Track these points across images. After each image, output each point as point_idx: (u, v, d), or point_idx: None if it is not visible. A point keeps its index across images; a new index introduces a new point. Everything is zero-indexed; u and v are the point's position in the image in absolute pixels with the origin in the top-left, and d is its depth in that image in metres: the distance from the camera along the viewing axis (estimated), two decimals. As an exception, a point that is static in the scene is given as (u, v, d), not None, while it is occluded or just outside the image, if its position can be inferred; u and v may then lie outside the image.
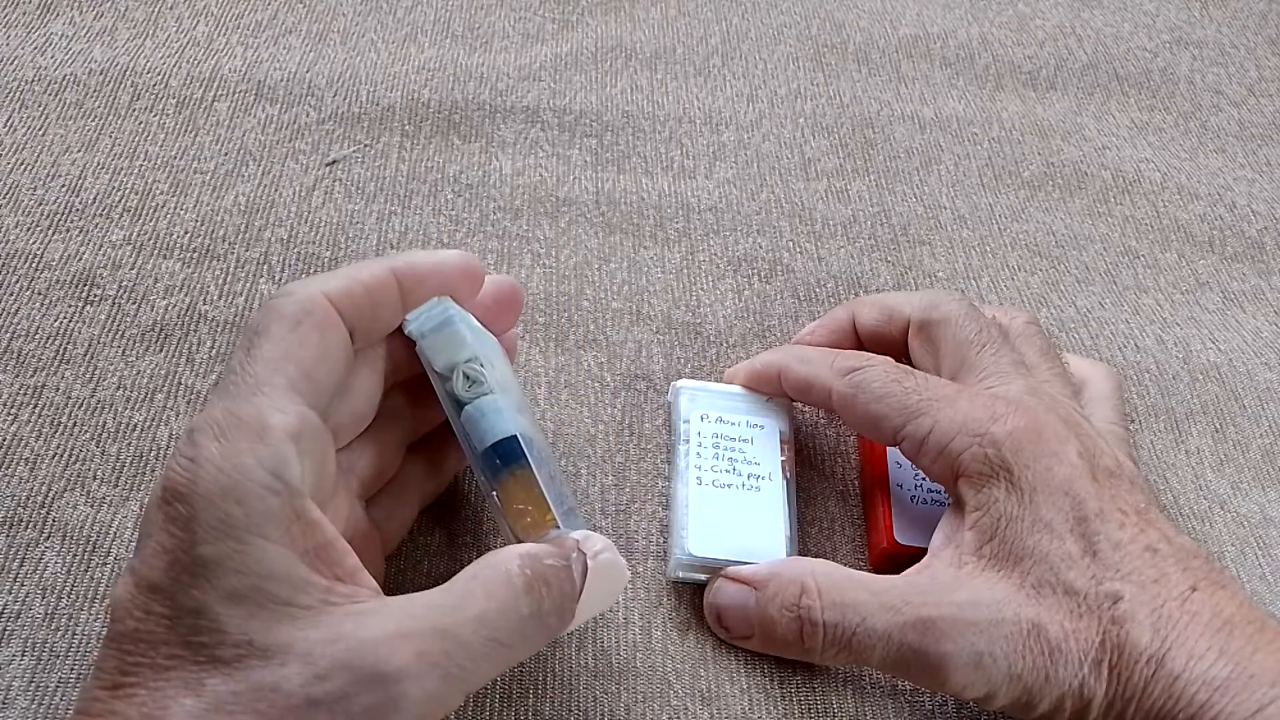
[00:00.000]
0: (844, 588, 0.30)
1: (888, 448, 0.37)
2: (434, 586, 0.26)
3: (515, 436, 0.29)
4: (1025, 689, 0.28)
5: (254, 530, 0.23)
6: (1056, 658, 0.28)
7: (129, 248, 0.41)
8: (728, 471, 0.35)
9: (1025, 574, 0.29)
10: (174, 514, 0.23)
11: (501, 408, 0.29)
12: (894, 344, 0.37)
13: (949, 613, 0.29)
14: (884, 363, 0.33)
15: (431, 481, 0.33)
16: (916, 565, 0.31)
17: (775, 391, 0.37)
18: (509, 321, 0.33)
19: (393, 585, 0.33)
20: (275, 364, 0.25)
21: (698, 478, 0.35)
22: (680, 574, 0.34)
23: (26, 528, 0.33)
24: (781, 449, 0.36)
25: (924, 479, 0.36)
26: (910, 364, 0.35)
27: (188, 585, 0.23)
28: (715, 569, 0.33)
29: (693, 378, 0.39)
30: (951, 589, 0.29)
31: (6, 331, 0.38)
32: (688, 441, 0.36)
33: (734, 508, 0.34)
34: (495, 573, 0.25)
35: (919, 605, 0.29)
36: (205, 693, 0.22)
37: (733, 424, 0.36)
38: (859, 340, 0.38)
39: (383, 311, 0.28)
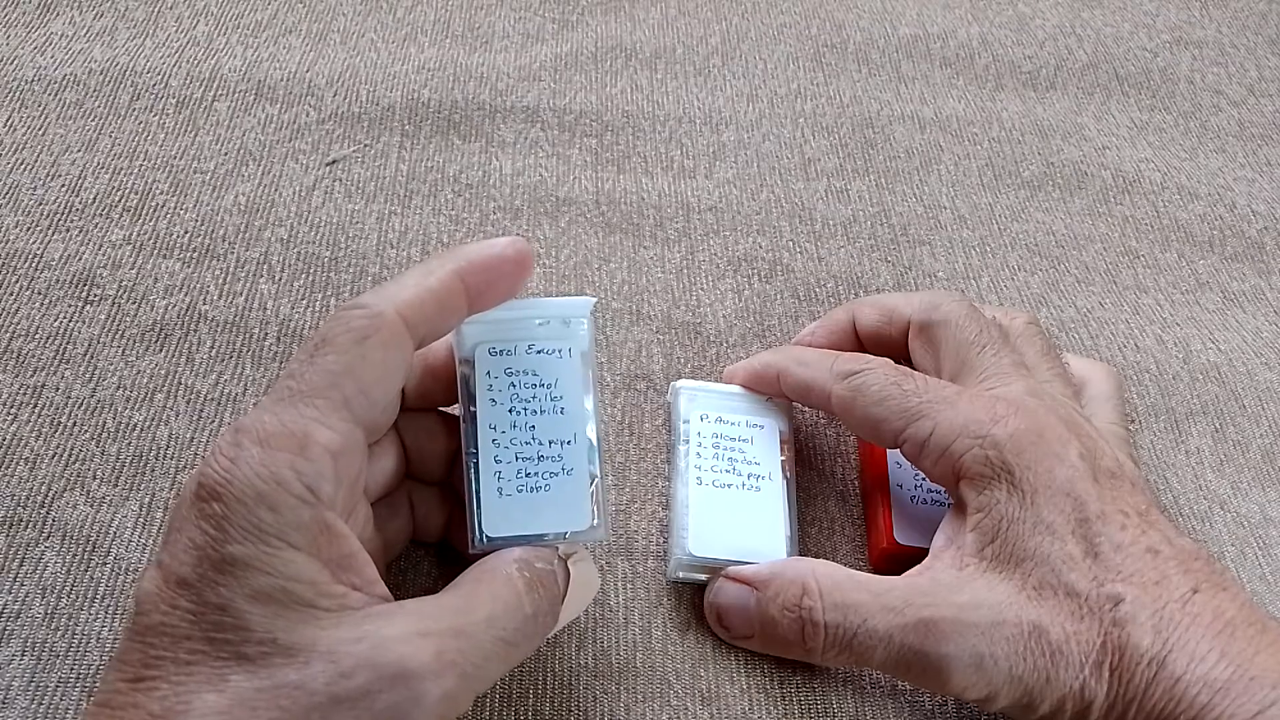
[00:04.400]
0: (845, 588, 0.30)
1: (888, 448, 0.37)
2: (434, 587, 0.26)
3: None
4: (1026, 690, 0.28)
5: (283, 537, 0.23)
6: (1058, 659, 0.28)
7: (129, 248, 0.41)
8: (728, 471, 0.35)
9: (1027, 575, 0.29)
10: (208, 511, 0.23)
11: None
12: (894, 345, 0.37)
13: (950, 614, 0.29)
14: (883, 365, 0.33)
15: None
16: (918, 566, 0.31)
17: (774, 392, 0.37)
18: (517, 285, 0.31)
19: (393, 586, 0.33)
20: (334, 377, 0.25)
21: (698, 478, 0.35)
22: (680, 574, 0.34)
23: (26, 528, 0.33)
24: (781, 449, 0.36)
25: (924, 479, 0.36)
26: (910, 365, 0.35)
27: (215, 582, 0.23)
28: (715, 569, 0.33)
29: (693, 378, 0.39)
30: (953, 590, 0.29)
31: (6, 331, 0.38)
32: (688, 441, 0.36)
33: (734, 508, 0.34)
34: (497, 576, 0.26)
35: (920, 606, 0.29)
36: (228, 688, 0.22)
37: (732, 424, 0.36)
38: (859, 341, 0.38)
39: (449, 317, 0.28)
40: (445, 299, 0.27)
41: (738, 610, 0.32)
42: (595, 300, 0.31)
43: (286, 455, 0.24)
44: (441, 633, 0.24)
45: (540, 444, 0.29)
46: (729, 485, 0.35)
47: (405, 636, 0.23)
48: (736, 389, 0.37)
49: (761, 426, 0.36)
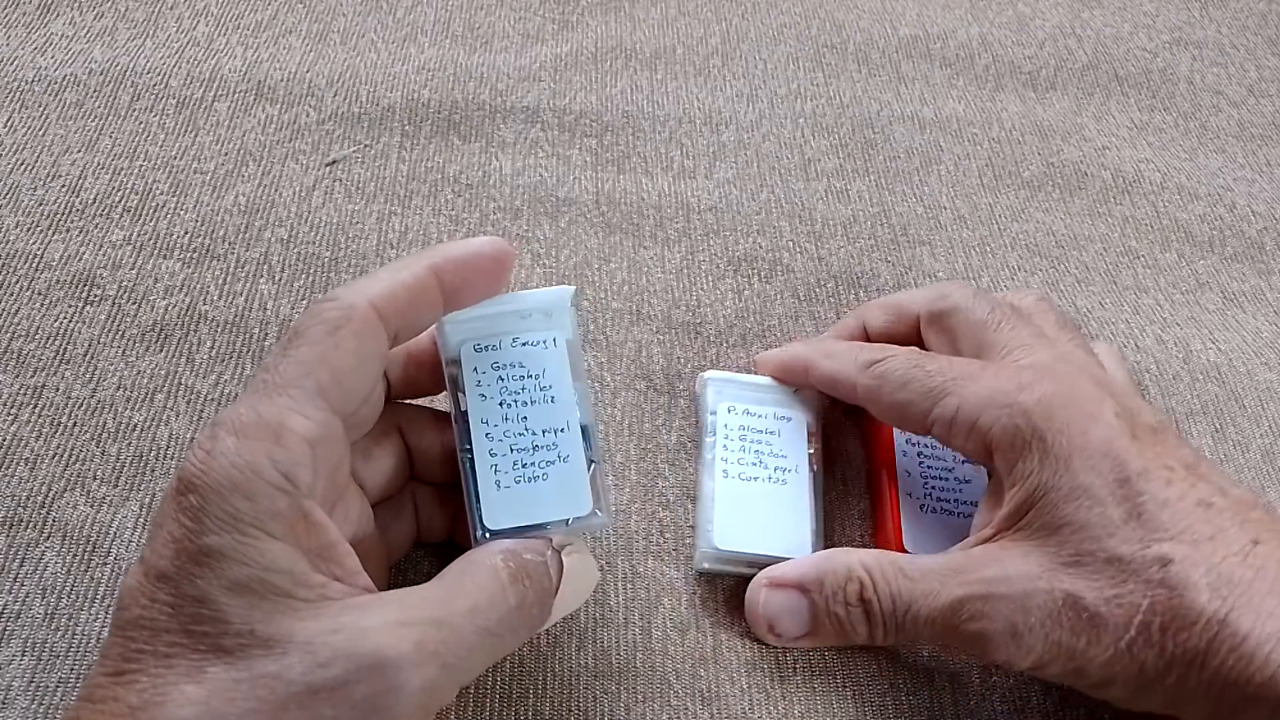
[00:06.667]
0: (890, 576, 0.30)
1: (896, 458, 0.36)
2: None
3: None
4: (1071, 657, 0.28)
5: (260, 526, 0.23)
6: (1097, 625, 0.27)
7: (129, 248, 0.41)
8: (754, 464, 0.35)
9: (1062, 544, 0.28)
10: (185, 504, 0.23)
11: None
12: (907, 343, 0.37)
13: (980, 590, 0.29)
14: (906, 352, 0.33)
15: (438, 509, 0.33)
16: (959, 544, 0.31)
17: (802, 384, 0.37)
18: (498, 283, 0.31)
19: (394, 586, 0.33)
20: (308, 367, 0.25)
21: (724, 470, 0.35)
22: (706, 565, 0.34)
23: (26, 528, 0.33)
24: (809, 441, 0.36)
25: (934, 488, 0.36)
26: None
27: (192, 574, 0.23)
28: (742, 562, 0.33)
29: (718, 369, 0.38)
30: (984, 565, 0.29)
31: (6, 331, 0.38)
32: (714, 434, 0.36)
33: (760, 501, 0.34)
34: (482, 567, 0.26)
35: (954, 585, 0.29)
36: (206, 680, 0.22)
37: (760, 416, 0.36)
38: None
39: (424, 311, 0.28)
40: (418, 293, 0.27)
41: (791, 615, 0.32)
42: (575, 290, 0.31)
43: (262, 444, 0.24)
44: (423, 623, 0.24)
45: (534, 434, 0.29)
46: (755, 478, 0.35)
47: (385, 627, 0.23)
48: (764, 380, 0.37)
49: (789, 419, 0.36)
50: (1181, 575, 0.27)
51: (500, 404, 0.29)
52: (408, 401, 0.32)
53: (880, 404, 0.33)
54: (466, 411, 0.29)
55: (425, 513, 0.32)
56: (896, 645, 0.33)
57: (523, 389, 0.29)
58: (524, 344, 0.30)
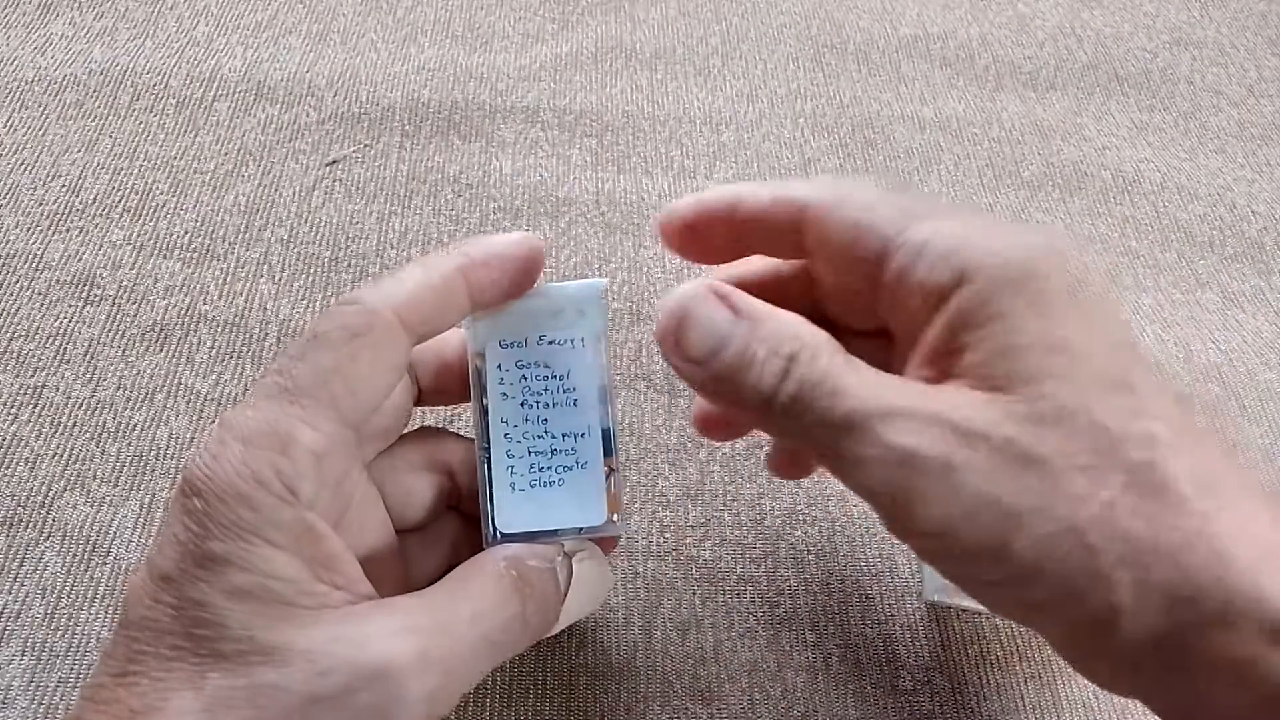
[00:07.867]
0: (837, 355, 0.24)
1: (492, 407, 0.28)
2: None
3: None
4: (1006, 515, 0.22)
5: (262, 534, 0.23)
6: (1055, 488, 0.22)
7: (129, 248, 0.41)
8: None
9: (1034, 400, 0.23)
10: (190, 507, 0.23)
11: None
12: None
13: (923, 407, 0.23)
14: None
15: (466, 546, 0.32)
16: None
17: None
18: (529, 283, 0.29)
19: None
20: (323, 375, 0.25)
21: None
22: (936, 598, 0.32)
23: (26, 528, 0.33)
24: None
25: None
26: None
27: (195, 577, 0.23)
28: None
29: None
30: (935, 394, 0.24)
31: (6, 331, 0.38)
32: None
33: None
34: (485, 573, 0.26)
35: (893, 397, 0.24)
36: (206, 687, 0.22)
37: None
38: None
39: (450, 314, 0.27)
40: (446, 297, 0.26)
41: (708, 329, 0.25)
42: (607, 283, 0.30)
43: (268, 454, 0.23)
44: (425, 630, 0.24)
45: (553, 437, 0.28)
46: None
47: (386, 634, 0.23)
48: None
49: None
50: (1163, 461, 0.22)
51: (521, 404, 0.29)
52: (457, 433, 0.32)
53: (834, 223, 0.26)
54: (487, 408, 0.29)
55: (460, 551, 0.31)
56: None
57: (545, 389, 0.29)
58: (550, 342, 0.29)
